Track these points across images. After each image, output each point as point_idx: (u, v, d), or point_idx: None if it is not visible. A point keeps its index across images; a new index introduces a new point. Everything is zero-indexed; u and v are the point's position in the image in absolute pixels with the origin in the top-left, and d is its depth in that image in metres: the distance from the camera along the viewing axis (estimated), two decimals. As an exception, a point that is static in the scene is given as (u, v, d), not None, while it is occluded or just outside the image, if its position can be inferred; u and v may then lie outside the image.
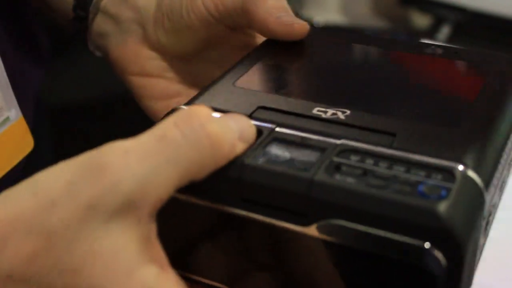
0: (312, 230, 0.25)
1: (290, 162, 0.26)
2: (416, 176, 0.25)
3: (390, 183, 0.25)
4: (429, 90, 0.35)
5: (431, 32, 1.14)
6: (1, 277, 0.23)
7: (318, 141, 0.27)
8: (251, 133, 0.28)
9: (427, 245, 0.24)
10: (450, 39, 1.11)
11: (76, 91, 1.05)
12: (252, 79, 0.34)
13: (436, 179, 0.25)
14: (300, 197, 0.25)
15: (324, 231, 0.25)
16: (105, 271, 0.23)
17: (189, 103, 0.32)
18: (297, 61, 0.38)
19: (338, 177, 0.25)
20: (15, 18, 0.49)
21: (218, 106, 0.30)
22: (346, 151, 0.27)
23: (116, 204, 0.24)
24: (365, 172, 0.25)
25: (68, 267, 0.23)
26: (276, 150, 0.27)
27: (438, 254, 0.24)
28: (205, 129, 0.25)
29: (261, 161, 0.26)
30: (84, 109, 1.04)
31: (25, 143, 0.41)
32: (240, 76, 0.34)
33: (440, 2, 1.13)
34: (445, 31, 1.13)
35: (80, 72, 1.03)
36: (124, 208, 0.24)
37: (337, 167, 0.26)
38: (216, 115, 0.27)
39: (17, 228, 0.23)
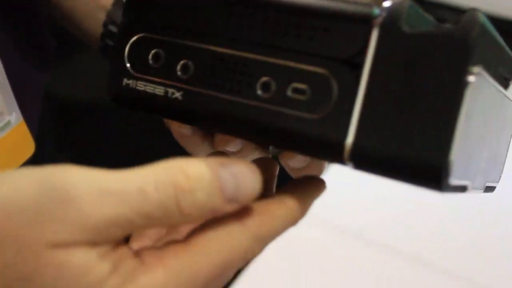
0: None
1: None
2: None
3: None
4: None
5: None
6: None
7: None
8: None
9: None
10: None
11: (81, 92, 1.05)
12: None
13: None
14: None
15: None
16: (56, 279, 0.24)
17: None
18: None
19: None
20: (20, 22, 0.49)
21: None
22: None
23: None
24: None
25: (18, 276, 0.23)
26: None
27: None
28: (181, 205, 0.25)
29: None
30: (89, 110, 1.04)
31: (26, 147, 0.41)
32: None
33: (438, 3, 1.14)
34: (443, 32, 1.14)
35: (85, 73, 1.03)
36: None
37: None
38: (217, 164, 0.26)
39: None
